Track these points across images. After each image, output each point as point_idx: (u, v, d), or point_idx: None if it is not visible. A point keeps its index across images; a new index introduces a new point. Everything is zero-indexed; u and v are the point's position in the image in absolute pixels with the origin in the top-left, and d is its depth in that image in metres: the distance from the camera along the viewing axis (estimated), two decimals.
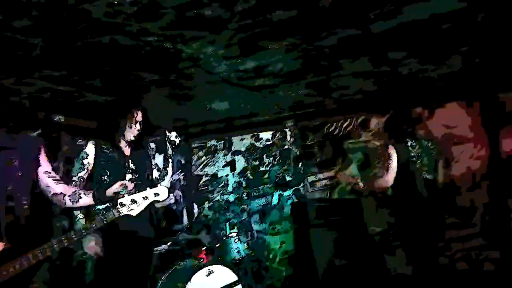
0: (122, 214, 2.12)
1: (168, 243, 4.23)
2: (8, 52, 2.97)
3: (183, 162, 6.24)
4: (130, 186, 2.18)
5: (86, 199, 2.14)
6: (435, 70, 4.20)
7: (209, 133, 6.08)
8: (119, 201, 2.12)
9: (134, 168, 2.89)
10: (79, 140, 5.18)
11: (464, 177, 4.90)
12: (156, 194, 2.17)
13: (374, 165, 5.26)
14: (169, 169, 3.08)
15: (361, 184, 4.23)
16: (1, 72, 3.34)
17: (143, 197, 2.14)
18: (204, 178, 6.13)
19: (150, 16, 2.57)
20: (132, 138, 3.02)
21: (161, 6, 2.47)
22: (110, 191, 2.17)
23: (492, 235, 4.67)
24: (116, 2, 2.34)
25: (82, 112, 4.76)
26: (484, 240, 4.68)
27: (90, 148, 2.83)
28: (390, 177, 4.08)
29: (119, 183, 2.15)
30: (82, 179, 2.66)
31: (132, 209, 2.13)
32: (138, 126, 3.04)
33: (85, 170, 2.70)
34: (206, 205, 6.03)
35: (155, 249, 4.08)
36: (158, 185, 2.28)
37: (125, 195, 2.14)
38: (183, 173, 6.22)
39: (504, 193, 4.70)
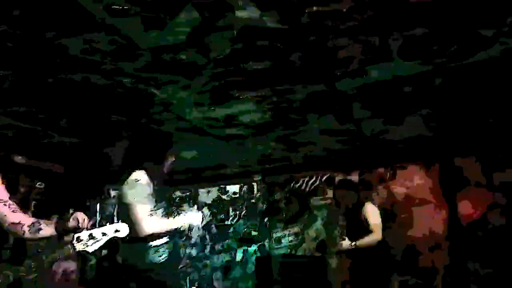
0: (77, 250, 2.01)
1: None
2: None
3: None
4: (87, 220, 2.08)
5: (48, 230, 2.01)
6: (396, 132, 4.41)
7: (176, 184, 5.98)
8: (75, 235, 2.01)
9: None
10: (38, 183, 4.99)
11: (425, 238, 4.99)
12: (116, 231, 2.09)
13: (338, 223, 5.29)
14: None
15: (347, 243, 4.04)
16: None
17: (102, 233, 2.04)
18: None
19: (126, 56, 2.63)
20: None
21: (138, 47, 2.54)
22: (72, 223, 2.06)
23: None
24: (95, 40, 2.39)
25: (46, 154, 4.63)
26: None
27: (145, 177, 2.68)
28: (378, 233, 4.03)
29: (80, 215, 2.06)
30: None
31: (88, 245, 2.02)
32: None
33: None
34: None
35: None
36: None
37: (83, 229, 2.04)
38: None
39: (464, 256, 4.79)
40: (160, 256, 2.62)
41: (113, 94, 3.19)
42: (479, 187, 4.85)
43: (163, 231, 2.59)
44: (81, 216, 2.04)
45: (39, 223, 1.99)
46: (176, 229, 2.66)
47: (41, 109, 3.48)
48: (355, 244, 3.95)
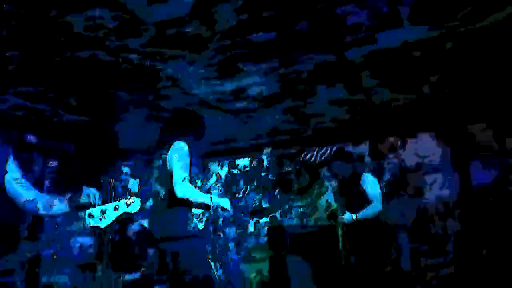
0: (90, 225, 2.04)
1: (142, 269, 4.08)
2: None
3: None
4: (98, 196, 2.11)
5: (61, 206, 2.05)
6: (406, 100, 4.35)
7: None
8: (88, 211, 2.05)
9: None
10: (51, 162, 5.06)
11: (437, 206, 5.00)
12: (128, 205, 2.11)
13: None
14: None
15: (348, 216, 3.96)
16: None
17: (114, 208, 2.07)
18: None
19: (130, 31, 2.60)
20: None
21: (142, 22, 2.50)
22: (84, 199, 2.09)
23: (465, 263, 4.72)
24: (98, 16, 2.37)
25: (57, 133, 4.68)
26: (457, 268, 4.72)
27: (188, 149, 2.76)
28: (378, 203, 3.88)
29: (92, 191, 2.09)
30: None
31: (101, 220, 2.05)
32: None
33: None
34: None
35: (127, 276, 3.94)
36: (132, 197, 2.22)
37: (95, 205, 2.07)
38: None
39: (475, 222, 4.80)
40: (194, 226, 2.70)
41: (119, 71, 3.18)
42: (491, 153, 4.80)
43: (195, 202, 2.67)
44: (92, 192, 2.07)
45: (52, 199, 2.03)
46: (207, 205, 2.73)
47: (49, 89, 3.49)
48: (356, 217, 3.87)
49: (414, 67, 3.49)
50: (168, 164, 2.73)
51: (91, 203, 2.04)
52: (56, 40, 2.67)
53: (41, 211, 2.04)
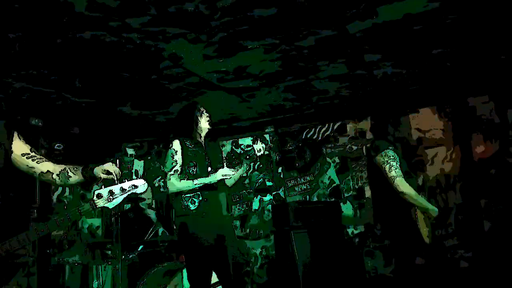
0: (99, 206, 2.08)
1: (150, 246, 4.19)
2: None
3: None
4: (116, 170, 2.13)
5: (75, 177, 2.09)
6: (407, 74, 4.36)
7: None
8: (96, 192, 2.08)
9: (210, 161, 3.04)
10: (57, 145, 5.12)
11: (438, 179, 5.06)
12: (135, 186, 2.14)
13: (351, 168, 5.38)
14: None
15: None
16: None
17: (120, 189, 2.10)
18: None
19: (132, 11, 2.61)
20: (209, 127, 3.12)
21: (143, 0, 2.51)
22: (98, 170, 2.12)
23: (466, 234, 4.81)
24: None
25: (62, 116, 4.72)
26: (458, 239, 4.81)
27: (177, 145, 2.96)
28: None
29: (109, 163, 2.10)
30: (177, 171, 2.90)
31: (108, 201, 2.09)
32: (207, 116, 3.13)
33: (178, 165, 2.91)
34: None
35: (136, 253, 4.04)
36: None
37: (102, 186, 2.11)
38: (162, 180, 6.19)
39: (476, 194, 4.86)
40: (184, 207, 2.90)
41: (122, 51, 3.20)
42: (493, 125, 4.84)
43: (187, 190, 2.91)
44: (110, 166, 2.07)
45: (66, 170, 2.04)
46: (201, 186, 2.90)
47: (53, 71, 3.51)
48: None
49: (416, 40, 3.49)
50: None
51: (113, 178, 2.05)
52: (58, 21, 2.68)
53: (58, 182, 2.08)
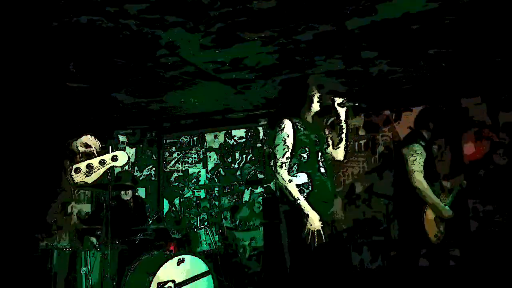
0: (76, 181, 1.98)
1: (139, 234, 4.19)
2: None
3: (154, 157, 6.21)
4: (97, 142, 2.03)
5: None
6: (403, 73, 4.38)
7: (182, 129, 6.08)
8: (73, 166, 1.97)
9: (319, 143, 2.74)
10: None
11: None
12: (115, 158, 2.03)
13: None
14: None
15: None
16: None
17: (100, 161, 1.99)
18: (176, 174, 6.12)
19: None
20: (319, 108, 2.78)
21: None
22: (76, 143, 2.02)
23: (453, 233, 4.87)
24: None
25: (54, 101, 4.66)
26: (446, 238, 4.87)
27: (289, 127, 2.65)
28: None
29: (87, 136, 2.00)
30: (289, 159, 2.60)
31: (87, 176, 1.98)
32: (318, 95, 2.78)
33: (289, 152, 2.61)
34: (177, 200, 6.02)
35: (125, 241, 4.03)
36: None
37: (80, 160, 1.99)
38: (153, 168, 6.19)
39: (464, 194, 4.92)
40: None
41: (119, 37, 3.17)
42: (484, 127, 4.89)
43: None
44: (89, 139, 1.98)
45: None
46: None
47: (47, 55, 3.47)
48: None
49: (412, 40, 3.50)
50: None
51: (92, 151, 1.95)
52: (55, 4, 2.64)
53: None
